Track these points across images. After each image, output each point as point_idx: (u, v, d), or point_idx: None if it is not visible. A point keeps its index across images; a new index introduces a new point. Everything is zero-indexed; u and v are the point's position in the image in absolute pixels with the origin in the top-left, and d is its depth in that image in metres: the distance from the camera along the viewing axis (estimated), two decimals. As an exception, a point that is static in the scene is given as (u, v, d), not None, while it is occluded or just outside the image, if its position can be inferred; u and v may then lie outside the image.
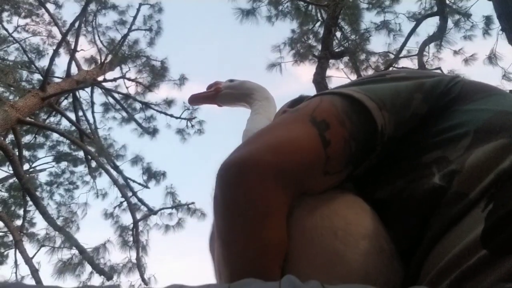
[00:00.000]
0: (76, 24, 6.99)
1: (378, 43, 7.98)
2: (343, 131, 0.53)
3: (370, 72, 6.16)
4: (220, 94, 1.18)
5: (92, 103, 8.10)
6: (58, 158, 8.44)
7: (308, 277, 0.48)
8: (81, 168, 8.29)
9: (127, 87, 8.09)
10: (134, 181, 7.35)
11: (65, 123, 8.25)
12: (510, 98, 0.56)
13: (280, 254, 0.49)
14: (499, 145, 0.47)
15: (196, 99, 1.22)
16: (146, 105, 8.16)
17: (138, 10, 7.99)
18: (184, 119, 8.00)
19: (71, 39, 7.46)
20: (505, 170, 0.44)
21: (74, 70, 7.54)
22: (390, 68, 5.92)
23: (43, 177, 8.37)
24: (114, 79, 7.88)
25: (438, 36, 5.86)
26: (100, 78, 7.90)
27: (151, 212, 7.03)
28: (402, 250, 0.52)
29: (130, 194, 7.03)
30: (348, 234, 0.50)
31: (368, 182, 0.57)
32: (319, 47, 5.74)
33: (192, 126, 8.03)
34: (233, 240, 0.50)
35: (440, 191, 0.48)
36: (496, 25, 5.52)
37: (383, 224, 0.54)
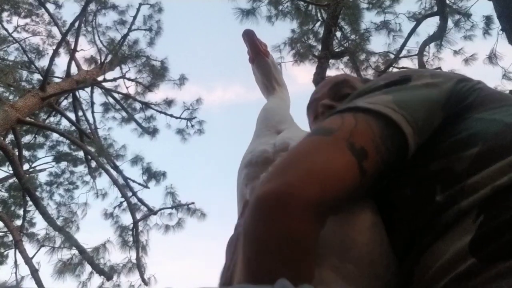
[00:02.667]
0: (76, 24, 6.99)
1: (378, 43, 7.99)
2: (378, 159, 0.51)
3: (370, 72, 6.16)
4: (267, 59, 1.12)
5: (92, 103, 8.11)
6: (58, 158, 8.44)
7: (322, 259, 0.50)
8: (81, 168, 8.31)
9: (127, 87, 8.11)
10: (134, 181, 7.36)
11: (65, 123, 8.28)
12: None
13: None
14: (507, 162, 0.46)
15: (250, 38, 1.10)
16: (146, 105, 8.16)
17: (138, 10, 7.99)
18: (184, 119, 8.01)
19: (71, 39, 7.47)
20: (502, 185, 0.44)
21: (74, 70, 7.55)
22: (390, 69, 5.92)
23: (43, 177, 8.38)
24: (114, 79, 7.88)
25: (438, 36, 5.85)
26: (100, 78, 7.90)
27: (151, 212, 7.03)
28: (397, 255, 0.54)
29: (130, 194, 7.03)
30: (358, 222, 0.54)
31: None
32: (319, 47, 5.74)
33: (192, 126, 8.04)
34: (268, 274, 0.46)
35: (441, 207, 0.48)
36: (496, 25, 5.52)
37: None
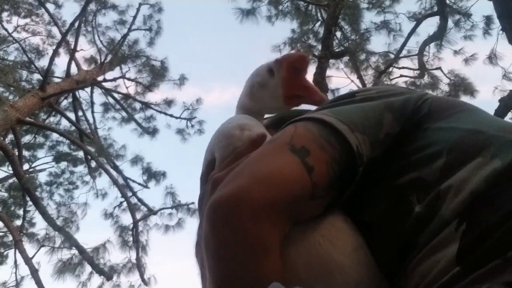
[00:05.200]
0: (76, 24, 6.99)
1: (378, 43, 7.99)
2: (324, 155, 0.53)
3: (370, 72, 6.17)
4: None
5: (92, 103, 8.11)
6: (58, 158, 8.44)
7: (307, 285, 0.49)
8: (81, 168, 8.31)
9: (127, 87, 8.11)
10: (134, 181, 7.37)
11: (64, 123, 8.27)
12: (478, 114, 0.58)
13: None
14: (475, 164, 0.48)
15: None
16: (146, 105, 8.16)
17: (138, 10, 7.99)
18: (184, 119, 8.02)
19: (70, 39, 7.47)
20: (478, 189, 0.45)
21: (74, 70, 7.56)
22: (390, 69, 5.93)
23: (43, 177, 8.38)
24: (114, 79, 7.88)
25: (439, 36, 5.86)
26: (100, 78, 7.90)
27: (151, 212, 7.03)
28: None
29: (130, 194, 7.04)
30: (344, 244, 0.52)
31: (351, 203, 0.57)
32: (319, 47, 5.74)
33: (192, 126, 8.04)
34: (229, 281, 0.48)
35: (422, 218, 0.49)
36: (497, 25, 5.53)
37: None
